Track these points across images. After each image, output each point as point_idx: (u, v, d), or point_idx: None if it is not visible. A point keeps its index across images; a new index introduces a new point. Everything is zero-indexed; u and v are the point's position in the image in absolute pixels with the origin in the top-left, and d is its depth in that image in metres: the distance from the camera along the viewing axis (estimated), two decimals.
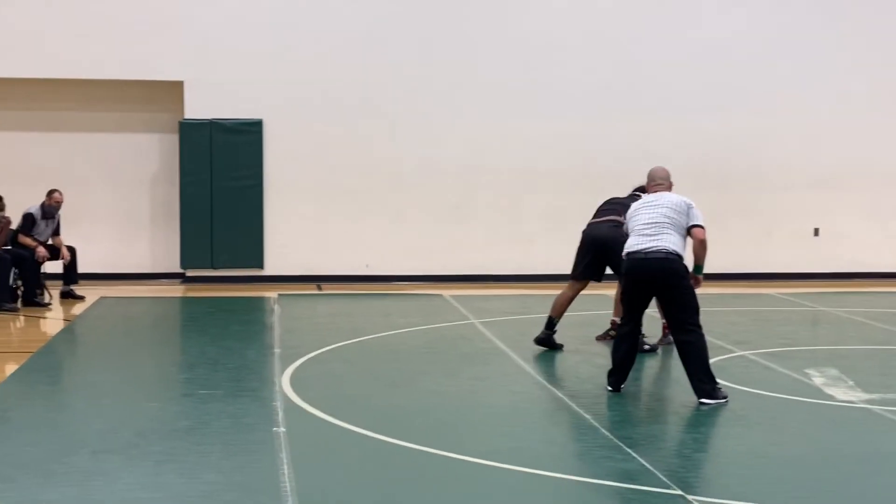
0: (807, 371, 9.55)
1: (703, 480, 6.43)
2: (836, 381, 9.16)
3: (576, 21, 16.55)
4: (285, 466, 6.61)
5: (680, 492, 6.15)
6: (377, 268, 16.39)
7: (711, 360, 9.82)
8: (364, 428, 7.54)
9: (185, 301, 14.76)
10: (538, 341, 10.81)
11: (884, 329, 12.18)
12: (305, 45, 16.26)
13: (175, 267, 16.33)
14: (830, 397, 8.62)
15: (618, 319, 10.62)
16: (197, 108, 16.10)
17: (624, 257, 8.70)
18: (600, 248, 10.83)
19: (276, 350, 10.56)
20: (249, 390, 9.07)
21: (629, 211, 9.01)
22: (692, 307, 8.44)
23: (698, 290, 8.65)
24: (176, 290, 15.59)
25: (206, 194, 16.10)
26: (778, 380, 9.25)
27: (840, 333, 12.07)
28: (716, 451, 7.18)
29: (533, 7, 16.52)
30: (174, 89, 16.17)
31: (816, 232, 16.73)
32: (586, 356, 10.53)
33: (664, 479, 6.38)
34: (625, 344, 8.79)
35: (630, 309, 8.77)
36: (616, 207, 11.05)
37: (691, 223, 8.54)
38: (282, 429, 7.53)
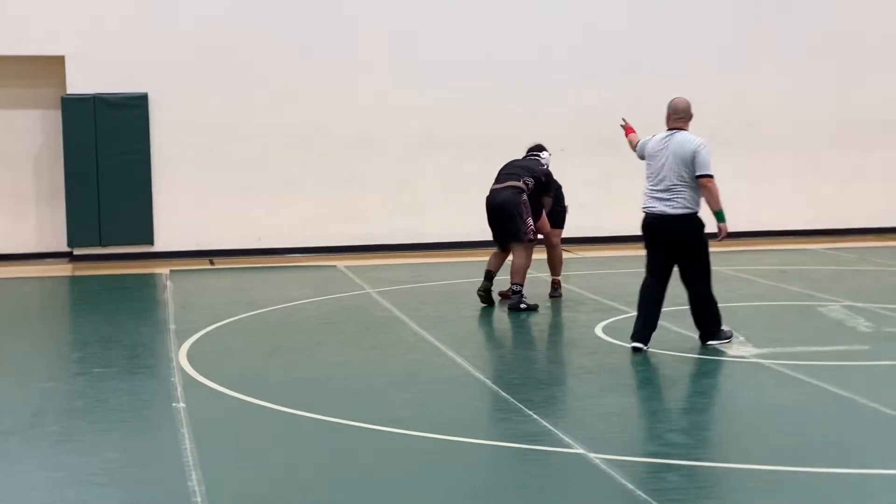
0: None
1: (603, 438, 6.54)
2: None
3: None
4: (187, 441, 6.56)
5: (582, 450, 6.25)
6: (270, 241, 16.25)
7: (606, 322, 10.05)
8: (265, 400, 7.52)
9: (75, 280, 14.48)
10: (480, 296, 11.24)
11: (769, 286, 12.48)
12: (190, 16, 15.99)
13: (62, 246, 16.00)
14: (722, 353, 8.82)
15: (558, 278, 11.67)
16: (80, 83, 15.76)
17: (642, 209, 8.91)
18: (499, 215, 11.10)
19: (171, 326, 10.43)
20: (146, 367, 8.97)
21: (645, 140, 9.10)
22: (704, 268, 8.85)
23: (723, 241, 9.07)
24: (64, 269, 15.28)
25: (91, 171, 15.78)
26: (671, 338, 9.42)
27: (729, 291, 12.27)
28: (614, 409, 7.31)
29: None
30: (55, 64, 15.79)
31: None
32: (484, 322, 10.61)
33: (566, 438, 6.48)
34: (652, 302, 8.90)
35: (651, 268, 8.95)
36: (516, 171, 11.30)
37: (697, 173, 8.69)
38: (181, 404, 7.46)
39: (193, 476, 5.91)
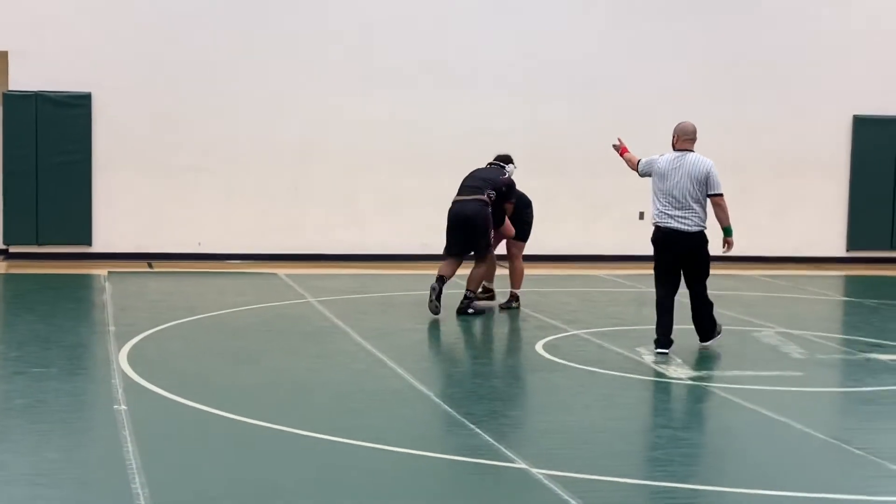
0: (637, 349, 9.87)
1: (545, 454, 6.60)
2: (665, 358, 9.50)
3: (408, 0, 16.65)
4: (129, 444, 6.52)
5: (524, 465, 6.31)
6: (210, 246, 16.18)
7: (546, 339, 10.18)
8: (207, 405, 7.49)
9: (10, 278, 14.30)
10: (431, 303, 11.31)
11: None
12: (136, 15, 15.91)
13: None
14: (662, 374, 8.95)
15: (487, 284, 12.01)
16: (22, 79, 15.59)
17: (654, 224, 9.69)
18: (465, 226, 11.41)
19: (111, 328, 10.35)
20: (85, 368, 8.90)
21: (652, 160, 9.75)
22: (706, 273, 9.75)
23: (730, 251, 9.84)
24: None
25: (31, 168, 15.61)
26: (611, 358, 9.54)
27: None
28: (557, 427, 7.38)
29: None
30: None
31: (641, 216, 17.23)
32: (426, 335, 10.66)
33: (508, 453, 6.54)
34: (668, 311, 9.69)
35: (662, 278, 9.72)
36: (478, 184, 11.54)
37: (710, 192, 9.55)
38: (122, 406, 7.41)
39: (136, 479, 5.88)
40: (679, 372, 9.01)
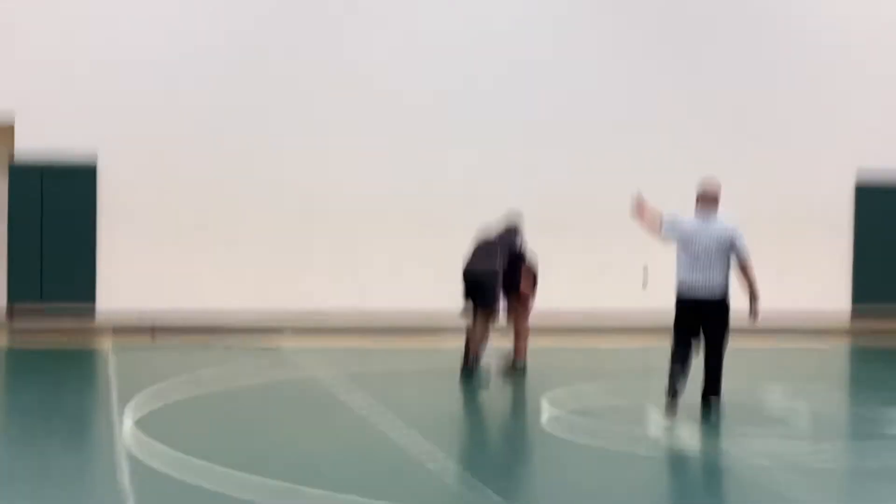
0: (643, 422, 9.79)
1: None
2: (672, 420, 9.42)
3: (409, 62, 16.86)
4: None
5: None
6: (213, 317, 16.19)
7: (550, 414, 10.11)
8: (209, 482, 7.43)
9: (14, 352, 14.26)
10: (463, 374, 11.66)
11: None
12: (139, 80, 16.15)
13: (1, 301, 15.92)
14: (670, 448, 8.83)
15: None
16: (27, 149, 15.78)
17: (678, 292, 9.75)
18: (478, 287, 11.68)
19: (115, 401, 10.31)
20: (90, 442, 8.87)
21: (676, 223, 9.81)
22: (726, 337, 9.80)
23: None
24: (2, 339, 15.05)
25: (36, 227, 15.81)
26: (617, 432, 9.46)
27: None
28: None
29: (370, 47, 16.70)
30: (3, 130, 15.78)
31: (646, 271, 17.13)
32: (430, 406, 10.62)
33: None
34: (685, 366, 9.79)
35: (680, 336, 9.81)
36: (492, 250, 11.82)
37: (740, 258, 9.67)
38: (126, 481, 7.36)
39: None
40: (686, 443, 8.95)
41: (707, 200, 9.79)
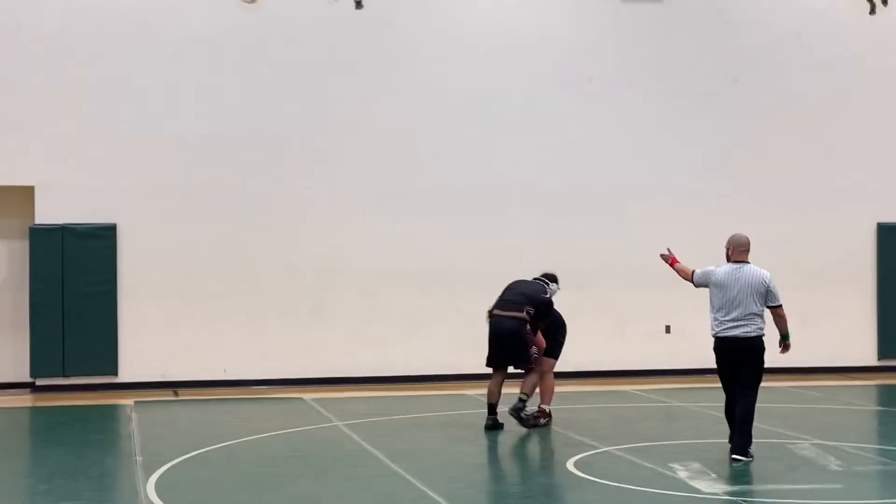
0: (670, 465, 9.73)
1: None
2: (699, 473, 9.36)
3: (425, 121, 16.80)
4: None
5: None
6: (235, 372, 16.16)
7: (577, 457, 10.08)
8: None
9: (37, 411, 14.28)
10: (488, 427, 11.69)
11: None
12: (158, 150, 16.11)
13: (24, 376, 15.81)
14: (696, 490, 8.79)
15: (546, 407, 12.10)
16: (48, 212, 15.79)
17: (714, 335, 10.16)
18: (504, 342, 11.75)
19: (138, 458, 10.29)
20: (113, 500, 8.81)
21: (708, 271, 10.28)
22: (759, 378, 10.11)
23: (785, 354, 10.33)
24: (26, 400, 15.07)
25: (57, 301, 15.69)
26: (644, 474, 9.40)
27: (697, 427, 12.35)
28: None
29: (384, 106, 16.67)
30: (24, 194, 15.82)
31: (668, 329, 17.15)
32: (454, 456, 10.54)
33: None
34: (733, 414, 10.12)
35: (725, 383, 10.19)
36: (519, 299, 11.82)
37: (770, 304, 10.09)
38: None
39: None
40: (714, 487, 8.87)
41: (739, 250, 10.22)
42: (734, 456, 9.88)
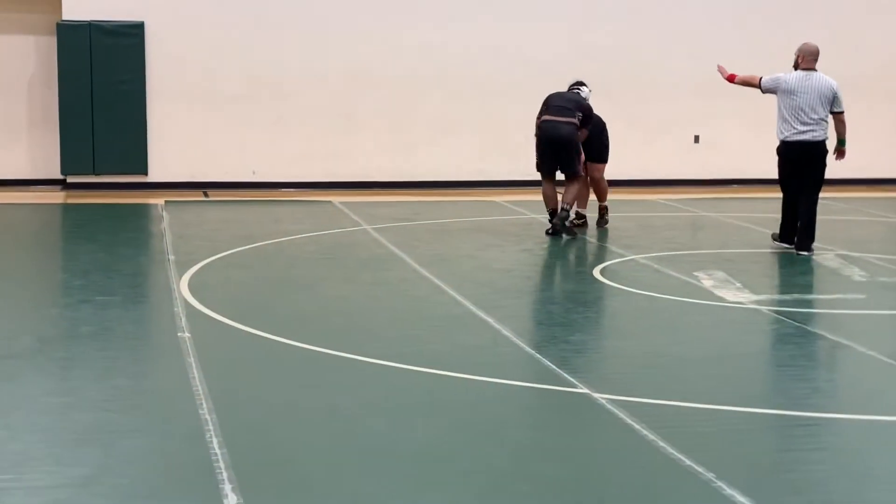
0: (696, 274, 9.82)
1: (607, 379, 6.62)
2: (724, 283, 9.45)
3: None
4: (194, 370, 6.60)
5: (586, 390, 6.33)
6: (263, 174, 16.24)
7: (604, 265, 10.17)
8: (268, 332, 7.56)
9: (69, 208, 14.46)
10: (551, 232, 11.89)
11: (763, 232, 12.52)
12: None
13: (55, 173, 15.95)
14: (721, 299, 8.90)
15: (580, 210, 12.52)
16: (76, 7, 15.62)
17: (782, 140, 10.71)
18: (558, 148, 11.82)
19: (171, 256, 10.45)
20: (148, 296, 9.02)
21: (778, 77, 10.71)
22: (822, 180, 10.75)
23: (842, 160, 11.00)
24: (57, 197, 15.25)
25: (86, 99, 15.68)
26: (669, 282, 9.51)
27: (723, 237, 12.42)
28: (619, 352, 7.40)
29: None
30: None
31: (697, 139, 17.07)
32: (483, 262, 10.66)
33: (571, 378, 6.55)
34: (790, 209, 10.93)
35: (787, 185, 10.87)
36: (568, 105, 11.89)
37: (835, 110, 10.61)
38: (186, 334, 7.49)
39: (204, 405, 5.96)
40: (739, 296, 8.96)
41: (809, 58, 10.65)
42: (800, 252, 10.68)
